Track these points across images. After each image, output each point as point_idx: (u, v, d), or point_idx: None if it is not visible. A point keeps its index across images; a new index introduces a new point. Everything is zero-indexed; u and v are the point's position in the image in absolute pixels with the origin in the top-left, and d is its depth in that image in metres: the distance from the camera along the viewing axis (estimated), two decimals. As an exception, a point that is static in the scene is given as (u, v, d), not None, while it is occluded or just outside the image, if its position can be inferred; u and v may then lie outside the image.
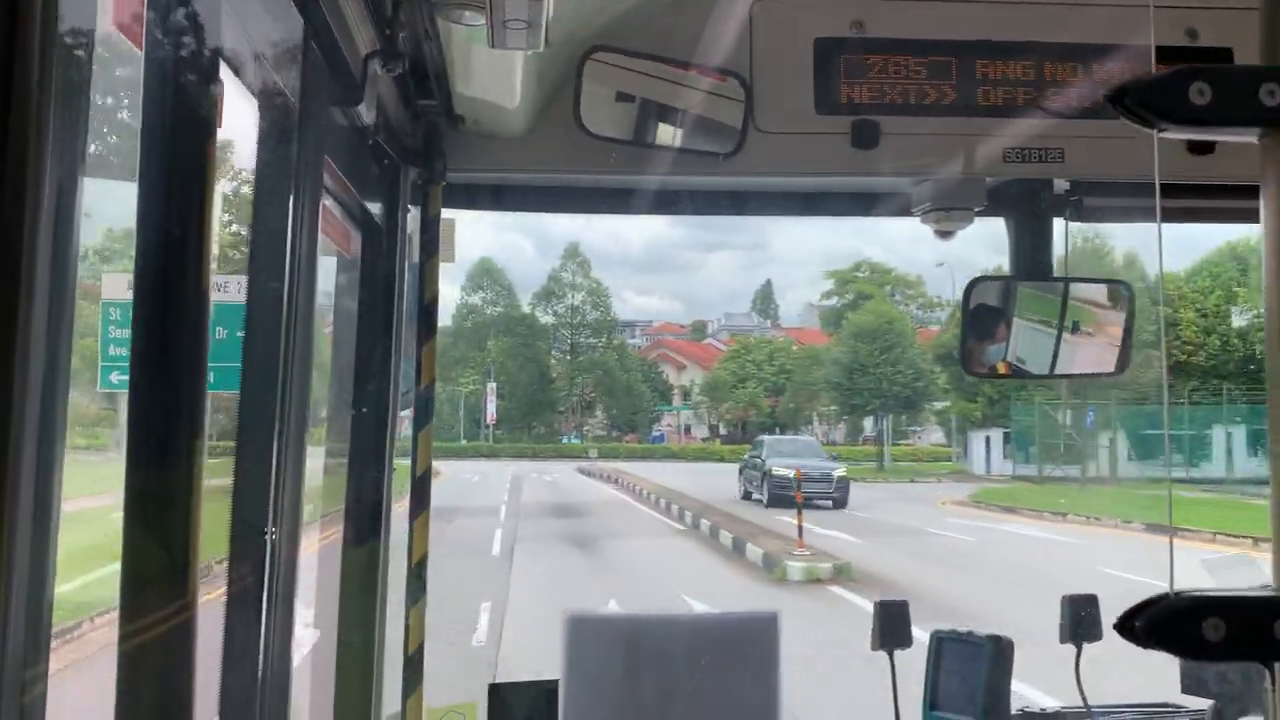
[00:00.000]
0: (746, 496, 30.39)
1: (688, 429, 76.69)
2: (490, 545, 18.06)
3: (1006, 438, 43.44)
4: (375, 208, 2.29)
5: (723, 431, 73.48)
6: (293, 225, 1.48)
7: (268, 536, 1.44)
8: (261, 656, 1.45)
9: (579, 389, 75.68)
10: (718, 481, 35.25)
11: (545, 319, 77.61)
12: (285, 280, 1.46)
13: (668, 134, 2.26)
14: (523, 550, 17.78)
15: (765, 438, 37.51)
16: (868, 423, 70.75)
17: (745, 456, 33.99)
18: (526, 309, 76.92)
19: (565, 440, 72.22)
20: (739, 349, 74.10)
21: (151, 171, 0.84)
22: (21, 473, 0.53)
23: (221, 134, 1.05)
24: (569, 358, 76.36)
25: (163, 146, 0.85)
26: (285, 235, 1.46)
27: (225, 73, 1.00)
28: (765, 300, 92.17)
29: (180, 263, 0.86)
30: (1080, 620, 2.43)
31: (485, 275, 74.15)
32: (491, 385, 66.52)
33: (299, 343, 1.58)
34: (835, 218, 2.53)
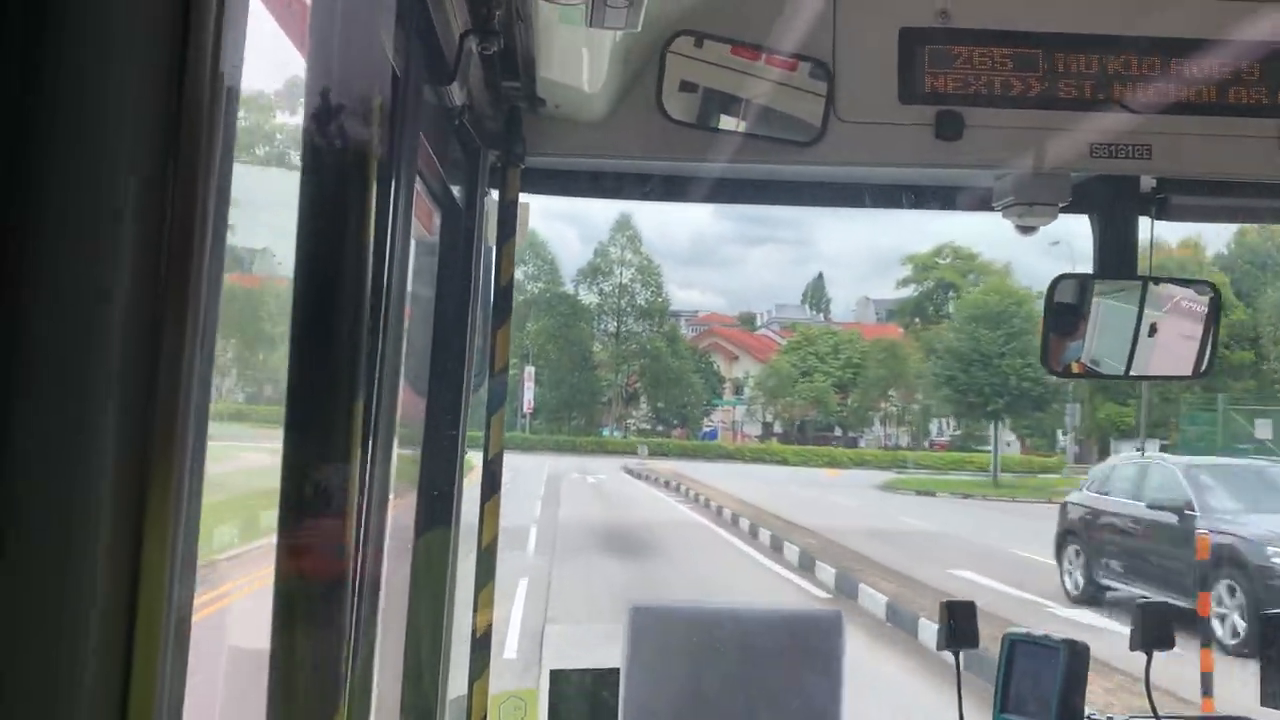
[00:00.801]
0: (1088, 591, 13.81)
1: (735, 425, 73.09)
2: (507, 618, 11.03)
3: (1164, 450, 34.97)
4: (455, 189, 2.39)
5: (778, 429, 70.31)
6: (391, 205, 1.55)
7: (361, 518, 1.61)
8: (349, 636, 1.60)
9: (624, 377, 71.88)
10: (816, 498, 30.18)
11: (590, 298, 73.60)
12: (383, 259, 1.52)
13: (748, 121, 2.35)
14: (559, 636, 10.47)
15: (1174, 461, 14.85)
16: (933, 426, 68.86)
17: (1085, 493, 14.94)
18: (569, 287, 73.16)
19: (606, 433, 69.42)
20: (800, 340, 71.10)
21: (313, 165, 0.94)
22: (188, 464, 0.60)
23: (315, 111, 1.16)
24: (614, 342, 72.66)
25: (322, 138, 0.94)
26: (386, 215, 1.53)
27: (319, 52, 1.03)
28: (817, 294, 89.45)
29: (339, 251, 1.00)
30: (1152, 629, 2.49)
31: (528, 248, 68.44)
32: (530, 370, 62.39)
33: (391, 322, 1.72)
34: (914, 210, 2.64)
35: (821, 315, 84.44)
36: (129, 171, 0.58)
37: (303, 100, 1.00)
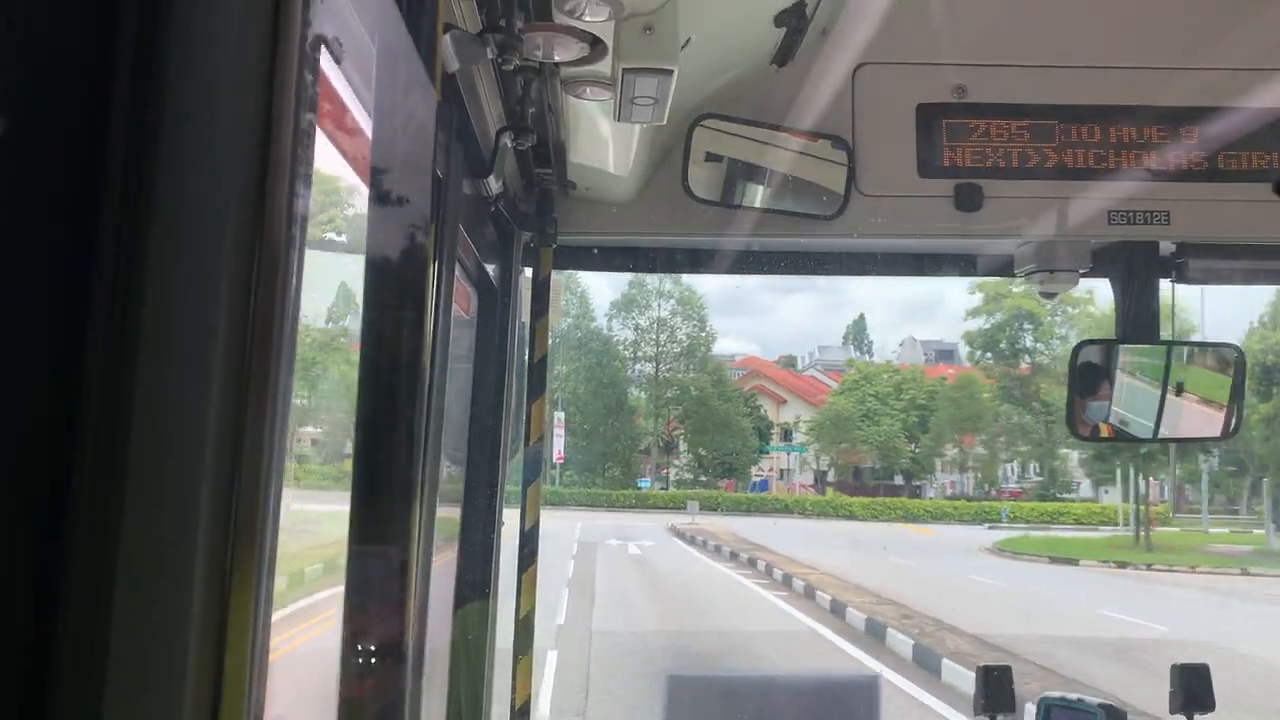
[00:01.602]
0: None
1: (785, 474, 68.80)
2: None
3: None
4: (491, 268, 2.59)
5: (831, 478, 66.50)
6: (433, 292, 1.73)
7: (405, 593, 1.82)
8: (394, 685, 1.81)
9: (665, 421, 67.66)
10: (933, 571, 26.44)
11: (625, 334, 69.58)
12: (428, 342, 1.87)
13: (772, 197, 2.55)
14: None
15: None
16: (1008, 469, 64.80)
17: None
18: (601, 323, 69.10)
19: (645, 485, 65.11)
20: (858, 379, 67.62)
21: (375, 255, 1.09)
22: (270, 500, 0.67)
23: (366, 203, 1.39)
24: (653, 384, 68.53)
25: (385, 233, 1.10)
26: (427, 302, 1.88)
27: (371, 148, 1.16)
28: (859, 335, 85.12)
29: (399, 327, 1.13)
30: (1192, 691, 2.66)
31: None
32: (559, 416, 58.30)
33: (434, 401, 1.94)
34: (938, 278, 2.86)
35: (866, 357, 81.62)
36: (220, 249, 0.67)
37: (363, 208, 1.13)
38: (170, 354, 0.66)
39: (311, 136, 0.79)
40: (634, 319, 68.84)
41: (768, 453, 69.13)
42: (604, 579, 21.99)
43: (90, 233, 0.65)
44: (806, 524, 48.38)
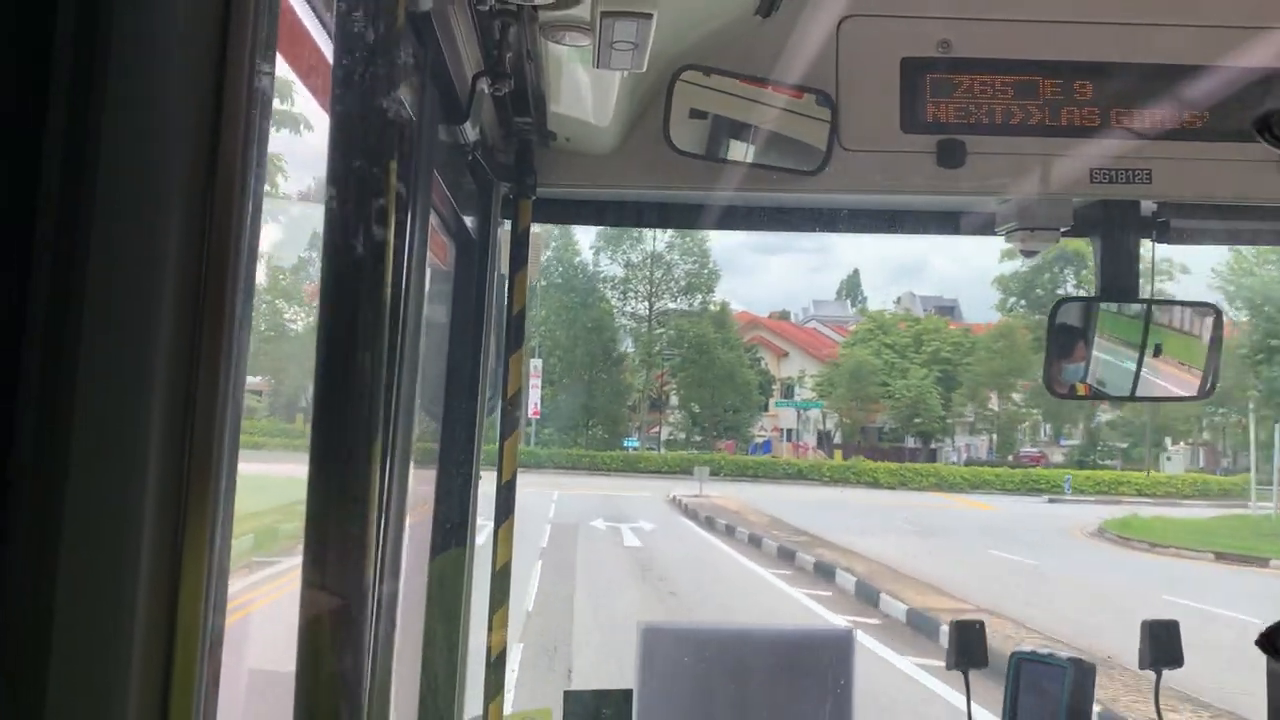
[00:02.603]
0: None
1: (790, 434, 64.13)
2: None
3: None
4: (469, 221, 2.70)
5: (837, 439, 63.03)
6: (407, 242, 1.79)
7: (374, 539, 1.99)
8: (368, 657, 1.99)
9: (656, 373, 62.11)
10: (1057, 576, 19.63)
11: (613, 270, 63.46)
12: (400, 293, 1.76)
13: (754, 151, 2.65)
14: None
15: None
16: (1044, 430, 61.04)
17: None
18: (586, 256, 63.21)
19: (631, 445, 59.89)
20: (871, 329, 63.83)
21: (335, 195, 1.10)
22: (222, 470, 0.71)
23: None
24: (646, 327, 62.69)
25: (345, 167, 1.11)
26: (403, 252, 1.76)
27: (341, 92, 1.16)
28: (853, 290, 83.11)
29: (360, 276, 1.12)
30: (1161, 646, 2.85)
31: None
32: (535, 363, 51.25)
33: (407, 351, 1.84)
34: (919, 236, 3.07)
35: (858, 312, 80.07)
36: (175, 192, 0.71)
37: (326, 142, 1.14)
38: (116, 324, 0.68)
39: (270, 70, 0.81)
40: (624, 253, 62.86)
41: (776, 409, 64.61)
42: (591, 604, 14.32)
43: (35, 159, 0.67)
44: (828, 494, 44.00)
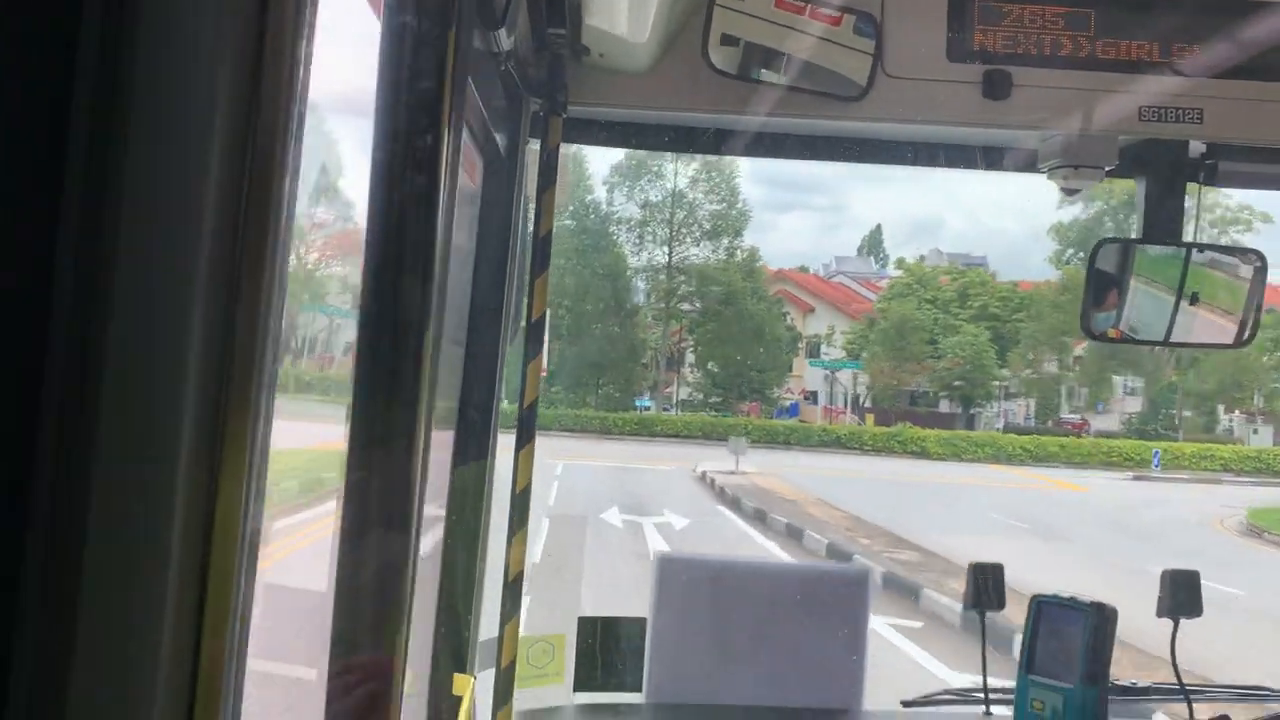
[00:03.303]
0: None
1: (813, 397, 60.67)
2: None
3: None
4: (498, 136, 2.73)
5: (866, 403, 59.91)
6: (440, 153, 2.14)
7: (417, 459, 2.03)
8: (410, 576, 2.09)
9: (673, 329, 58.67)
10: None
11: (630, 210, 58.66)
12: (435, 206, 2.13)
13: (794, 74, 2.70)
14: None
15: None
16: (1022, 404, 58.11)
17: None
18: (600, 194, 58.20)
19: (645, 406, 57.56)
20: (910, 282, 60.66)
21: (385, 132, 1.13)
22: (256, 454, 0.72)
23: (372, 54, 1.20)
24: (665, 275, 58.52)
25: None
26: (437, 163, 2.11)
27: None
28: (875, 246, 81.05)
29: (407, 195, 1.19)
30: (1180, 596, 2.98)
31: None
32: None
33: (437, 270, 2.27)
34: (957, 170, 3.18)
35: (883, 268, 75.08)
36: (208, 129, 0.71)
37: (377, 54, 1.15)
38: (146, 294, 0.69)
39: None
40: (642, 190, 58.30)
41: (809, 368, 61.25)
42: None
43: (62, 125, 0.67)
44: (881, 468, 39.44)
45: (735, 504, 25.33)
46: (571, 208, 56.36)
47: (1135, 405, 58.59)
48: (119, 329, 0.68)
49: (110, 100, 0.68)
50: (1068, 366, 58.42)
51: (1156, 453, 46.87)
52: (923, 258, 71.13)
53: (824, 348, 62.76)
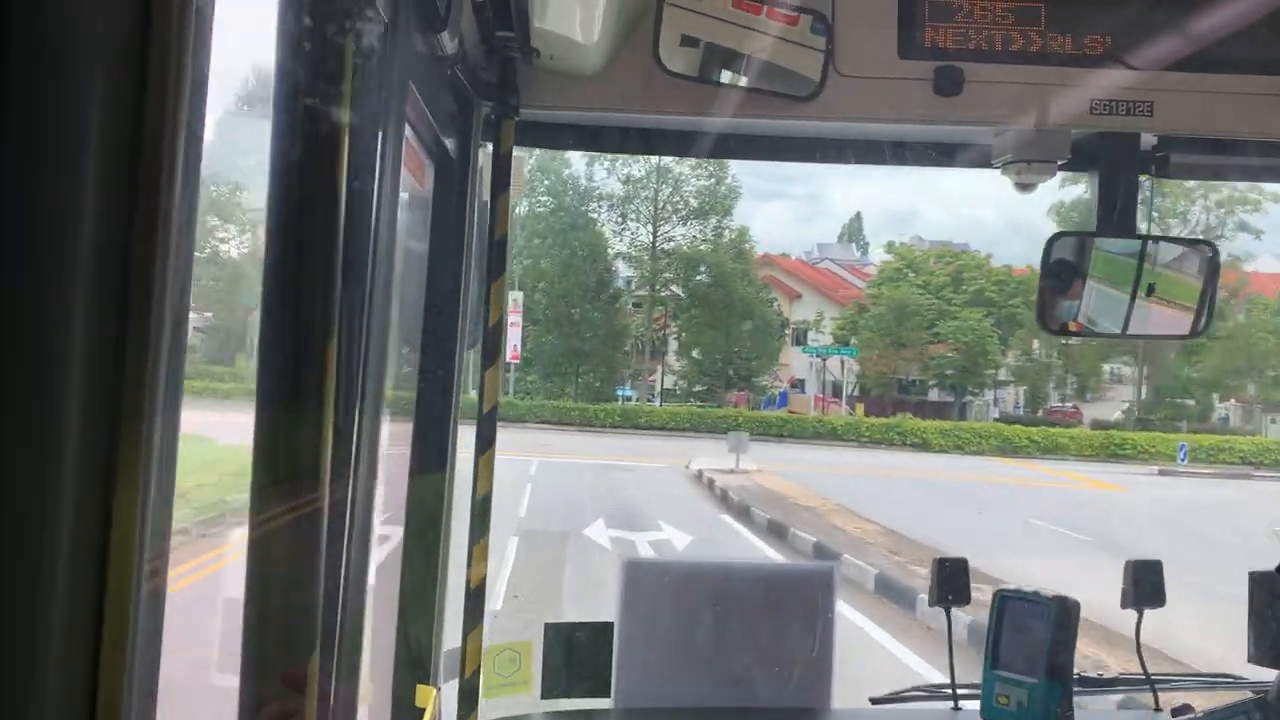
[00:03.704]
0: None
1: (799, 384, 60.39)
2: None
3: None
4: (449, 141, 2.77)
5: (854, 390, 58.98)
6: (379, 157, 1.82)
7: (349, 471, 1.69)
8: (341, 585, 2.15)
9: (660, 314, 57.49)
10: None
11: (610, 185, 57.13)
12: (371, 213, 1.79)
13: (746, 74, 2.78)
14: None
15: None
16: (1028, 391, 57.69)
17: None
18: (578, 169, 56.42)
19: (627, 396, 56.15)
20: (901, 266, 59.63)
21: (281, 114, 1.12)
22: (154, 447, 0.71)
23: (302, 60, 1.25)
24: (649, 257, 57.27)
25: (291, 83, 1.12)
26: (373, 167, 1.78)
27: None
28: (855, 234, 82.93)
29: (314, 205, 1.18)
30: (1143, 586, 3.07)
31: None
32: (516, 296, 47.23)
33: (379, 273, 1.86)
34: (912, 167, 3.30)
35: (863, 256, 76.19)
36: (95, 105, 0.70)
37: (279, 47, 1.15)
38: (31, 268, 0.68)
39: None
40: (624, 164, 55.44)
41: (802, 355, 60.59)
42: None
43: None
44: (890, 461, 38.49)
45: (744, 514, 21.97)
46: (547, 183, 55.09)
47: (1124, 394, 58.27)
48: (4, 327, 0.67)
49: None
50: (1067, 354, 58.33)
51: (1183, 446, 44.51)
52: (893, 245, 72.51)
53: (811, 334, 62.04)
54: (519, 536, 15.83)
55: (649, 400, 55.92)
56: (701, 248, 57.06)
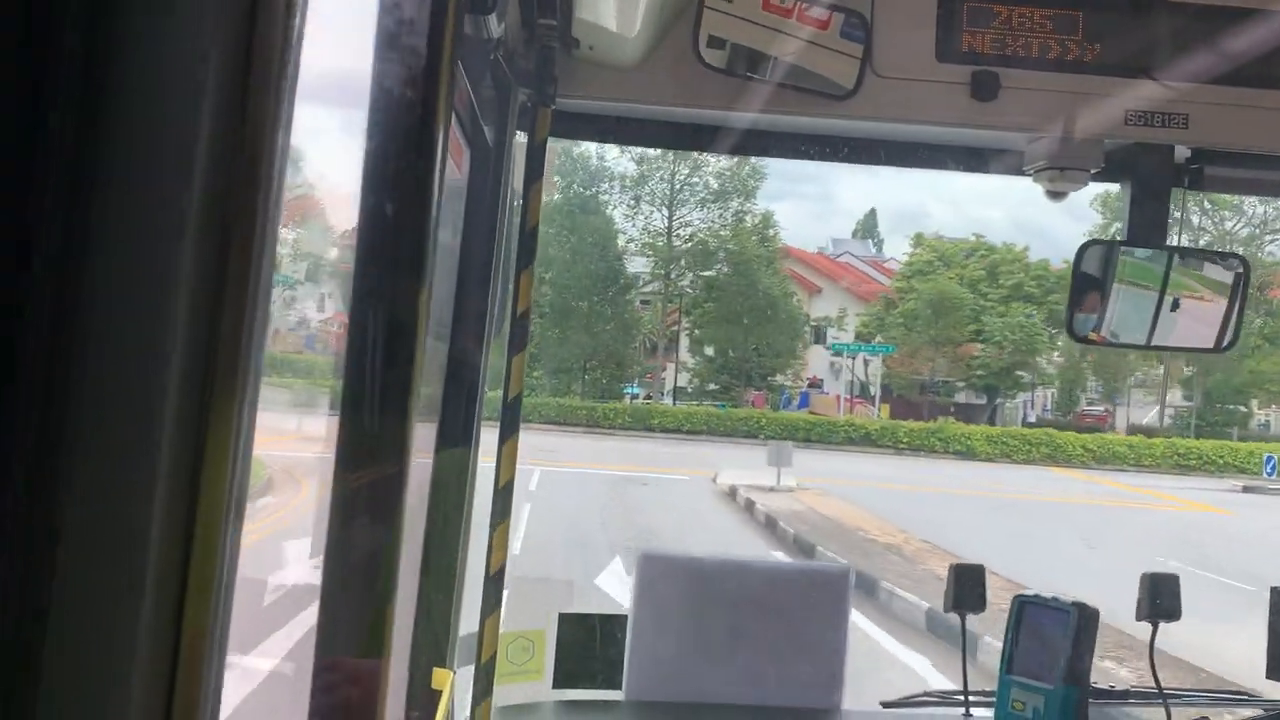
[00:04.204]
0: None
1: (817, 383, 59.00)
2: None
3: None
4: (486, 128, 2.88)
5: (870, 389, 57.02)
6: (435, 143, 2.20)
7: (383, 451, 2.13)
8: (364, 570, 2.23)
9: (673, 308, 55.65)
10: None
11: (623, 166, 56.05)
12: (429, 200, 2.20)
13: (784, 71, 2.88)
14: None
15: None
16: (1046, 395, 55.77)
17: None
18: (588, 147, 52.87)
19: (634, 394, 54.73)
20: (932, 258, 58.44)
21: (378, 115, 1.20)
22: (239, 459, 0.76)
23: (362, 42, 1.32)
24: (665, 241, 55.42)
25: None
26: (430, 154, 2.14)
27: None
28: (870, 231, 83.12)
29: (400, 184, 1.28)
30: (1159, 599, 3.17)
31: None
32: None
33: (428, 266, 2.42)
34: (945, 171, 3.46)
35: (877, 253, 75.67)
36: (195, 122, 0.74)
37: (372, 33, 1.25)
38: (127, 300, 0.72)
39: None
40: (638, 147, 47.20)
41: (840, 353, 58.26)
42: None
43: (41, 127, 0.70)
44: (945, 473, 35.70)
45: (808, 554, 17.87)
46: (557, 162, 53.32)
47: (1152, 398, 57.35)
48: (99, 328, 0.72)
49: (94, 97, 0.72)
50: (1101, 354, 58.42)
51: (1271, 459, 41.16)
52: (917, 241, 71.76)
53: (831, 331, 59.87)
54: (508, 589, 14.35)
55: (658, 399, 54.08)
56: (722, 233, 55.25)
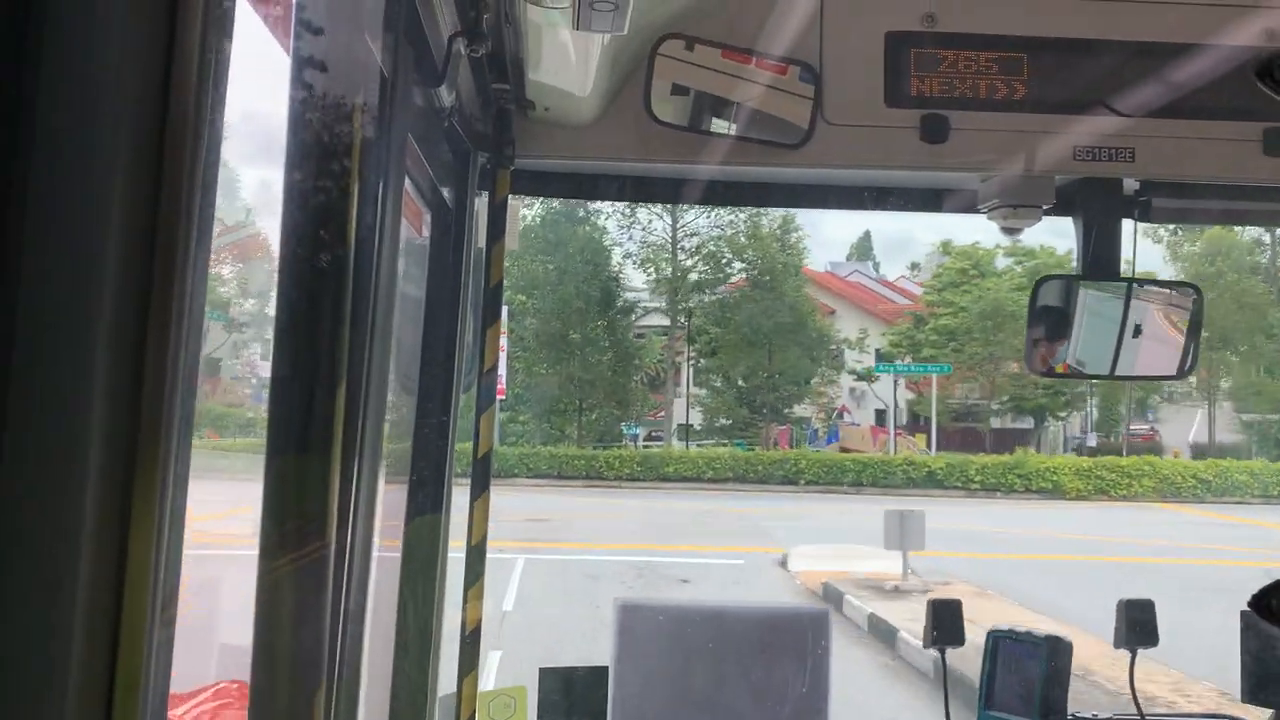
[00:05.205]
0: None
1: (839, 413, 56.33)
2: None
3: None
4: (445, 191, 3.09)
5: (905, 417, 54.73)
6: (379, 206, 2.08)
7: (349, 515, 1.91)
8: (339, 642, 1.90)
9: (678, 334, 51.23)
10: None
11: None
12: (372, 261, 2.03)
13: (736, 123, 3.12)
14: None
15: None
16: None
17: None
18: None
19: (633, 435, 51.38)
20: (965, 266, 54.67)
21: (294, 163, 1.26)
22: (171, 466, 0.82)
23: (310, 113, 1.40)
24: (668, 255, 51.61)
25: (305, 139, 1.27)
26: (375, 215, 2.03)
27: (303, 52, 1.34)
28: (864, 253, 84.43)
29: (323, 253, 1.32)
30: (1136, 626, 3.37)
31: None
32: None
33: (379, 321, 2.15)
34: (900, 213, 3.85)
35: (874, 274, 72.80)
36: (117, 173, 0.82)
37: (287, 100, 1.28)
38: (54, 310, 0.78)
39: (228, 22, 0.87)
40: None
41: (889, 373, 53.60)
42: None
43: None
44: (1042, 521, 31.65)
45: None
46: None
47: (1189, 414, 55.98)
48: (27, 329, 0.76)
49: (15, 112, 0.76)
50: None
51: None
52: (914, 266, 68.14)
53: (852, 354, 57.48)
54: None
55: (658, 439, 50.21)
56: (741, 240, 51.48)
